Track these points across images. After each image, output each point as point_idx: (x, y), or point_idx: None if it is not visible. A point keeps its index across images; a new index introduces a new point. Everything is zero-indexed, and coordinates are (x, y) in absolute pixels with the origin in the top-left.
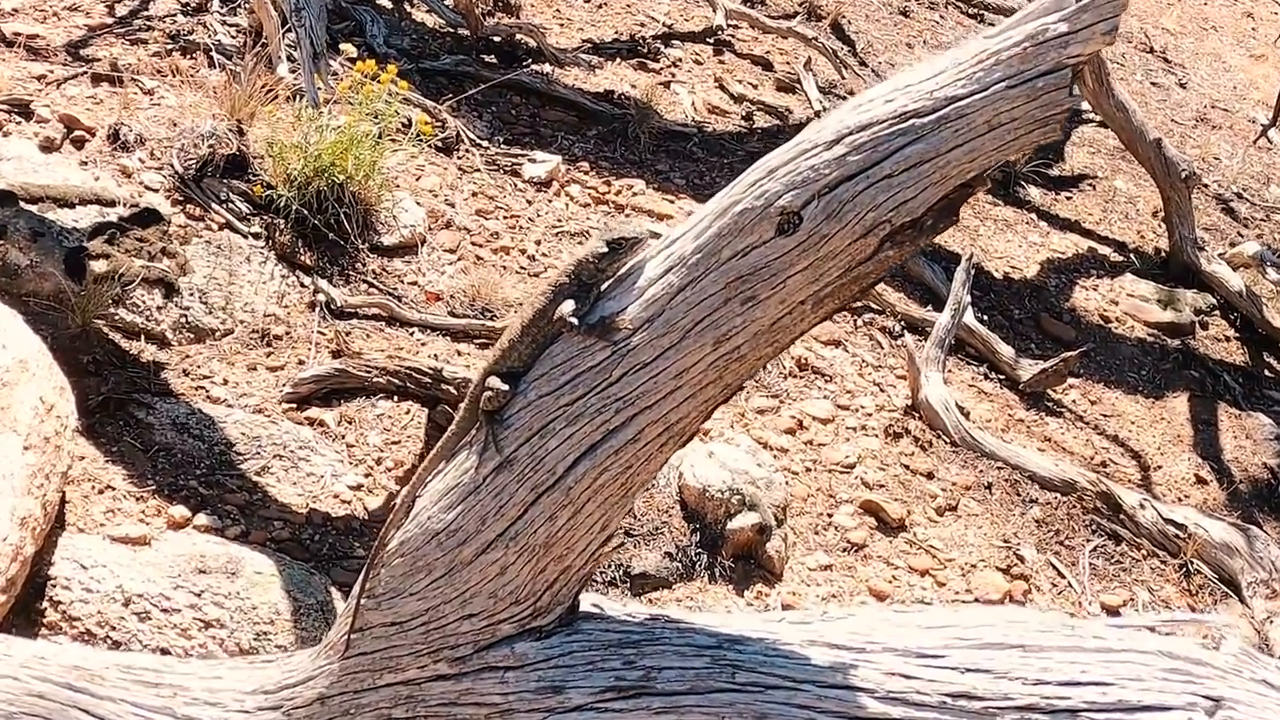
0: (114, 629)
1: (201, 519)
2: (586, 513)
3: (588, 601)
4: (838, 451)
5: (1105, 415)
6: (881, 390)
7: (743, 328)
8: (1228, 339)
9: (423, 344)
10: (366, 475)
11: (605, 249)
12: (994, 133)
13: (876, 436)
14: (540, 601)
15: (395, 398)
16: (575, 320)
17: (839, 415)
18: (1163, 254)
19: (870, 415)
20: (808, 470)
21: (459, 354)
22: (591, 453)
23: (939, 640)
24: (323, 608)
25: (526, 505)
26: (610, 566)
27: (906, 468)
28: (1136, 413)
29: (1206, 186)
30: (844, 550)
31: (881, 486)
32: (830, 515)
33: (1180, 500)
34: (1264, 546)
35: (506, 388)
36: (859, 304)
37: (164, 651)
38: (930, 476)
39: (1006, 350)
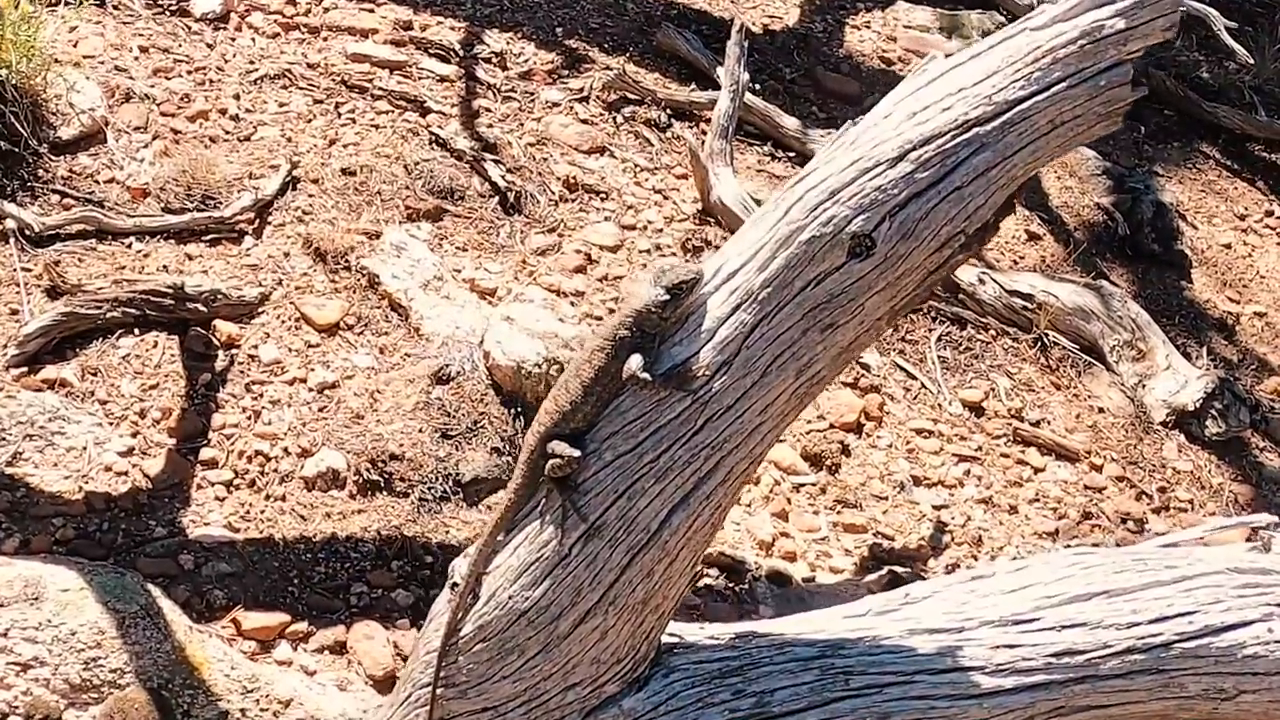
0: None
1: None
2: (680, 559)
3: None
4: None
5: None
6: (665, 198)
7: (824, 354)
8: None
9: (146, 255)
10: (134, 435)
11: (666, 296)
12: (1057, 131)
13: (674, 254)
14: (640, 653)
15: (137, 330)
16: (648, 375)
17: (627, 238)
18: None
19: (661, 231)
20: (611, 312)
21: (190, 259)
22: (685, 503)
23: (1029, 603)
24: (148, 612)
25: (622, 568)
26: (438, 479)
27: None
28: None
29: None
30: None
31: None
32: None
33: (1017, 265)
34: (1120, 304)
35: (578, 453)
36: (615, 97)
37: None
38: None
39: (791, 122)
